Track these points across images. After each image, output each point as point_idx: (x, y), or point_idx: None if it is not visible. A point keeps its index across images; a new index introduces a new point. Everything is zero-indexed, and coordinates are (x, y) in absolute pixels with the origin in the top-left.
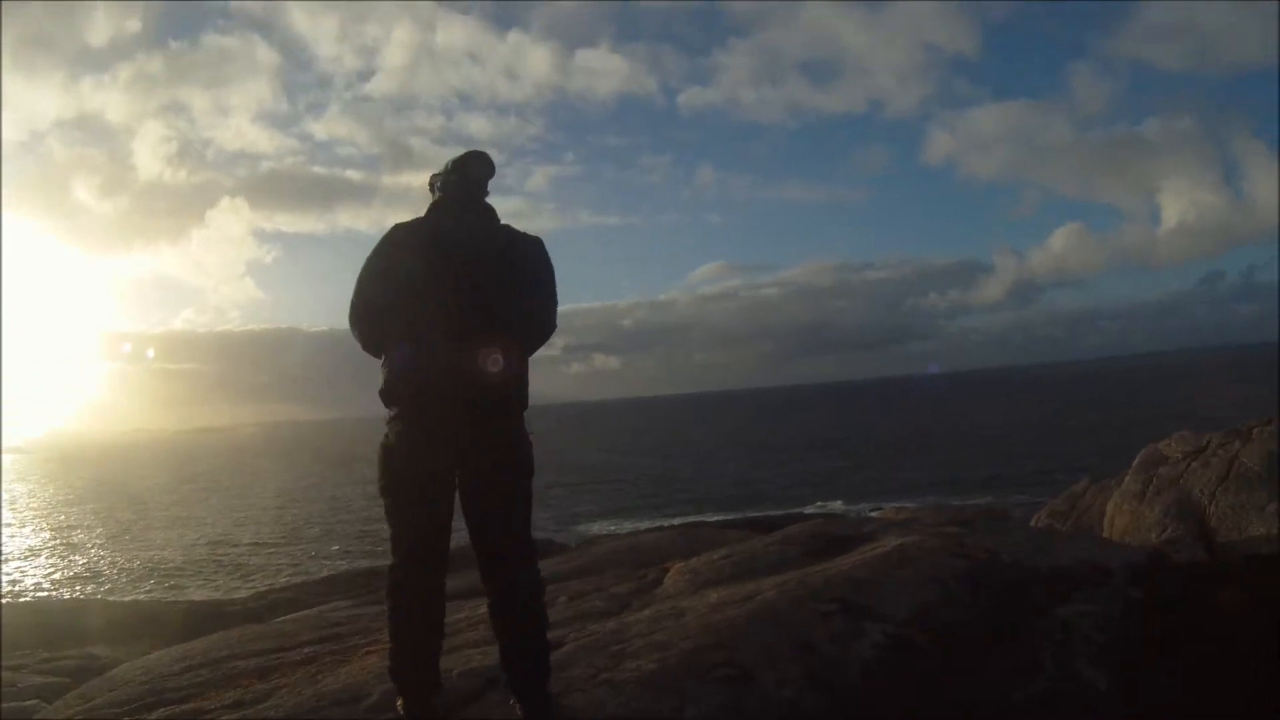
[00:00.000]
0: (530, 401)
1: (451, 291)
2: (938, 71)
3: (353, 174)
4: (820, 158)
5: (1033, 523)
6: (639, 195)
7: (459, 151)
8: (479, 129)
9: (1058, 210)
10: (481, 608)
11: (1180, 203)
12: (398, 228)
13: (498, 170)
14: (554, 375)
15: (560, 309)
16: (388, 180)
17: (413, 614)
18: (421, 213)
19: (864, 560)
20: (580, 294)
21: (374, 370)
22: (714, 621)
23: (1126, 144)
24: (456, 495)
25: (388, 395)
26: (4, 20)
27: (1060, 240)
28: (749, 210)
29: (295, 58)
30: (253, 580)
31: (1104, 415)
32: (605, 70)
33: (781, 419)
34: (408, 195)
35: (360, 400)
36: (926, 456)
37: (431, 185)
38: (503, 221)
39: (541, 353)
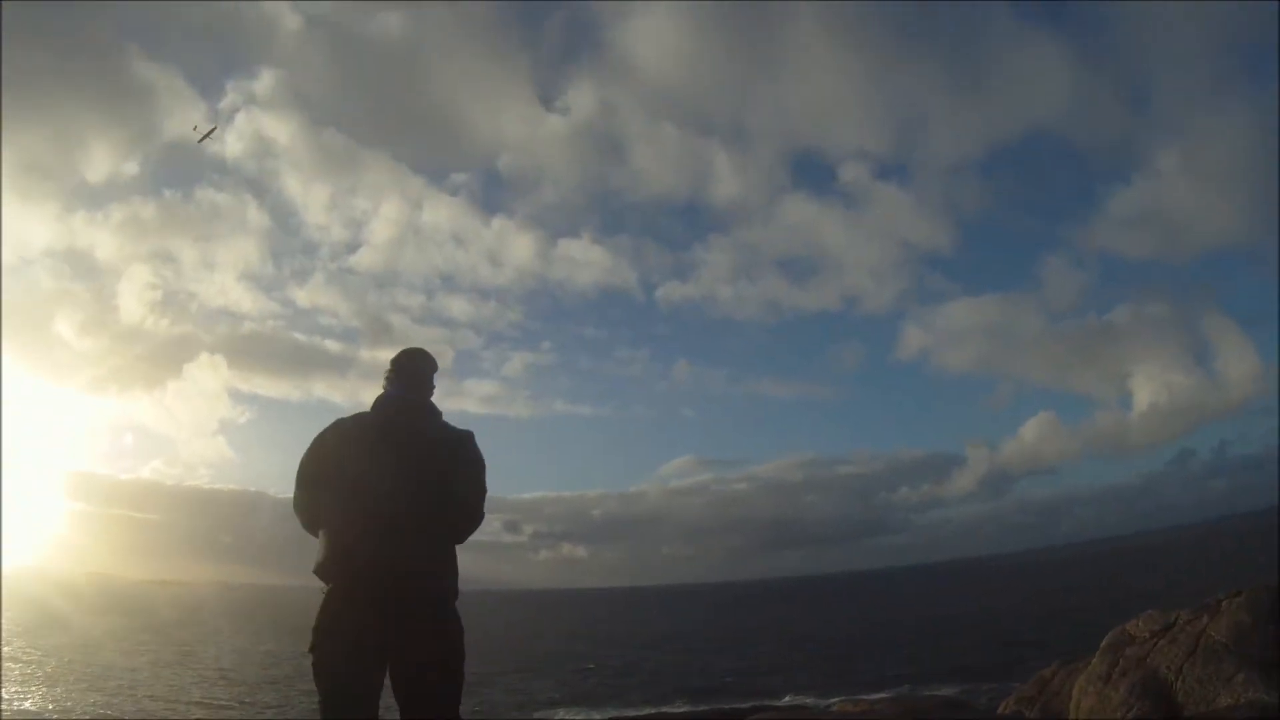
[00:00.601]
0: (497, 587)
1: (384, 483)
2: (912, 268)
3: (331, 344)
4: (795, 353)
5: (1000, 709)
6: (613, 386)
7: (436, 331)
8: (459, 310)
9: (1030, 401)
10: None
11: (1151, 386)
12: (340, 420)
13: (476, 355)
14: (521, 562)
15: (530, 497)
16: (365, 354)
17: None
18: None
19: None
20: (550, 483)
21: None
22: None
23: (1097, 333)
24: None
25: (321, 574)
26: (3, 149)
27: (1032, 430)
28: (722, 405)
29: (285, 223)
30: None
31: (1076, 599)
32: (586, 260)
33: (749, 611)
34: (382, 372)
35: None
36: (896, 647)
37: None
38: (444, 418)
39: (511, 540)
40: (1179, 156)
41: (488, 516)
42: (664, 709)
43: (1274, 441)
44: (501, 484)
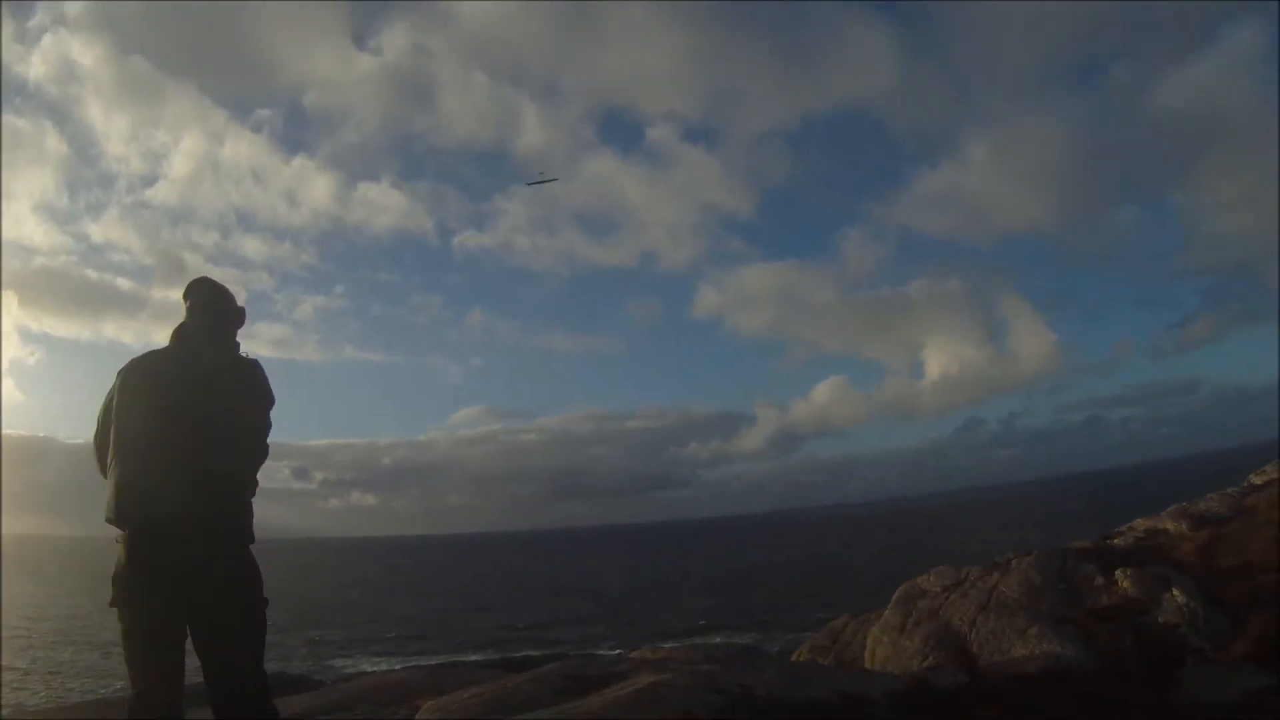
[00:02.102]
0: (286, 535)
1: (167, 421)
2: (712, 230)
3: (123, 282)
4: (589, 308)
5: (793, 658)
6: (405, 334)
7: (229, 271)
8: (253, 250)
9: (822, 365)
10: None
11: (943, 357)
12: (133, 360)
13: (269, 297)
14: (311, 510)
15: (319, 444)
16: (157, 294)
17: None
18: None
19: (615, 699)
20: (341, 430)
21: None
22: None
23: (892, 304)
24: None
25: (112, 520)
26: None
27: (823, 393)
28: (514, 356)
29: (84, 153)
30: None
31: (864, 556)
32: (384, 205)
33: (538, 562)
34: (175, 312)
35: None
36: (685, 598)
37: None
38: (244, 348)
39: (300, 487)
40: (989, 147)
41: (276, 463)
42: (457, 658)
43: (1062, 416)
44: (291, 430)
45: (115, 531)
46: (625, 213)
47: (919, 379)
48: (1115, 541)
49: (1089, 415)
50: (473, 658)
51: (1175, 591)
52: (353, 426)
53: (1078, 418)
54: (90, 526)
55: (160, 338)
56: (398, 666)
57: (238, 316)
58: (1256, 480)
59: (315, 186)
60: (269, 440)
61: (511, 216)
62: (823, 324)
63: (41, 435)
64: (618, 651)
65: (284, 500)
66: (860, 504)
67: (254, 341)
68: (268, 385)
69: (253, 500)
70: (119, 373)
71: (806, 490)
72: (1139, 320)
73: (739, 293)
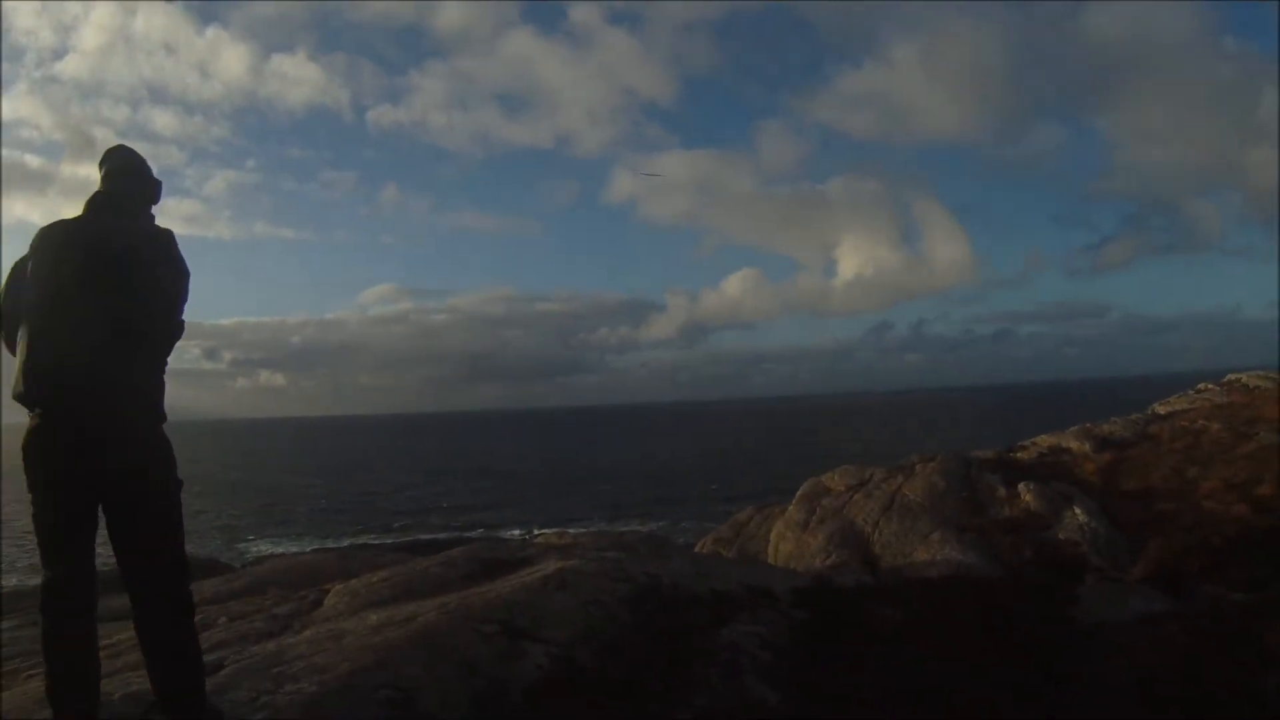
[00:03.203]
0: (196, 416)
1: (81, 292)
2: (631, 115)
3: (32, 159)
4: (503, 188)
5: (697, 549)
6: (317, 210)
7: (140, 146)
8: (164, 125)
9: (735, 256)
10: None
11: (857, 258)
12: (44, 228)
13: (179, 172)
14: (220, 390)
15: (228, 323)
16: (66, 170)
17: (65, 632)
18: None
19: (524, 583)
20: (250, 308)
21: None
22: (374, 643)
23: (809, 200)
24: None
25: (19, 399)
26: None
27: (735, 285)
28: (426, 234)
29: None
30: None
31: (769, 450)
32: (299, 78)
33: (448, 444)
34: (85, 188)
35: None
36: (593, 484)
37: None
38: (157, 220)
39: (209, 367)
40: (916, 50)
41: (187, 343)
42: (365, 540)
43: (972, 327)
44: (201, 309)
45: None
46: (543, 93)
47: (832, 278)
48: (1019, 455)
49: (999, 329)
50: (381, 540)
51: (1077, 510)
52: (263, 305)
53: (987, 330)
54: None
55: (70, 215)
56: (307, 549)
57: (153, 188)
58: (1161, 410)
59: (229, 59)
60: (183, 315)
61: (428, 93)
62: (737, 216)
63: None
64: (524, 535)
65: (194, 381)
66: (767, 399)
67: (165, 218)
68: (182, 257)
69: (164, 377)
70: (31, 242)
71: (714, 382)
72: (1055, 238)
73: (654, 180)
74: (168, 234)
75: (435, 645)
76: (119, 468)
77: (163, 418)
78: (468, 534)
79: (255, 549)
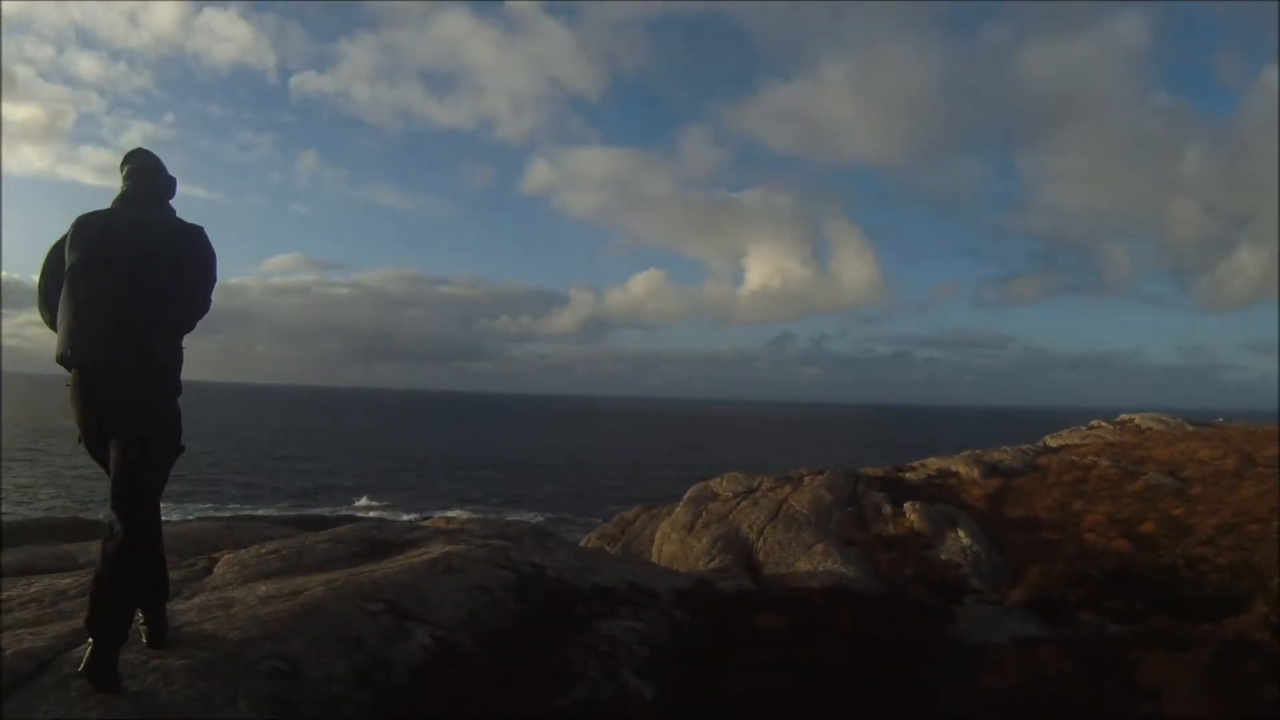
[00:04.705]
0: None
1: (113, 277)
2: (556, 106)
3: None
4: (421, 167)
5: (582, 543)
6: (230, 172)
7: (60, 89)
8: (88, 69)
9: (643, 257)
10: (33, 586)
11: (766, 269)
12: (82, 217)
13: (97, 119)
14: None
15: None
16: None
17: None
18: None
19: (411, 565)
20: None
21: None
22: (263, 614)
23: (723, 208)
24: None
25: (61, 362)
26: None
27: (641, 285)
28: (338, 206)
29: None
30: None
31: (659, 451)
32: (228, 35)
33: (341, 420)
34: (6, 129)
35: None
36: (483, 471)
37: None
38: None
39: None
40: (847, 70)
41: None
42: (250, 511)
43: (872, 347)
44: None
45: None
46: (470, 74)
47: (739, 286)
48: (907, 475)
49: (897, 350)
50: (264, 512)
51: (960, 532)
52: None
53: (887, 350)
54: None
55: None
56: (191, 517)
57: (170, 183)
58: (1052, 442)
59: (160, 8)
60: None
61: (354, 63)
62: (652, 216)
63: None
64: (412, 517)
65: None
66: (661, 400)
67: (77, 166)
68: (210, 248)
69: (182, 354)
70: (71, 226)
71: (610, 379)
72: (964, 268)
73: (573, 173)
74: (197, 229)
75: (322, 620)
76: (130, 433)
77: (178, 390)
78: (351, 511)
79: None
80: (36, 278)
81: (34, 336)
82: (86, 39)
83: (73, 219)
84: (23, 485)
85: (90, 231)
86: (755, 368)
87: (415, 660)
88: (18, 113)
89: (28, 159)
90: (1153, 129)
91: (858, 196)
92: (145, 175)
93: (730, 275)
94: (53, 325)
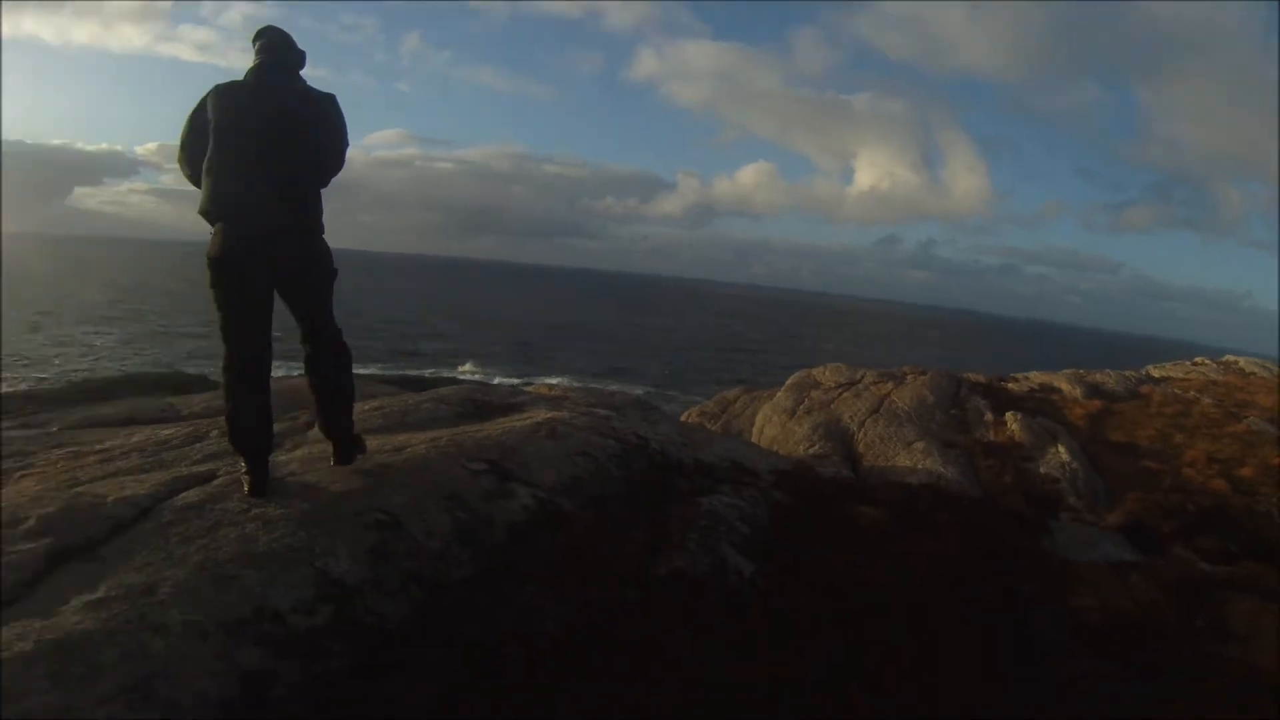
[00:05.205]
0: (202, 238)
1: (256, 136)
2: None
3: None
4: (526, 52)
5: (682, 419)
6: (334, 51)
7: None
8: None
9: (752, 149)
10: (135, 436)
11: (875, 171)
12: (221, 85)
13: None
14: None
15: None
16: None
17: (249, 388)
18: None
19: (514, 428)
20: None
21: (50, 192)
22: (365, 468)
23: (834, 108)
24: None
25: (206, 216)
26: None
27: (749, 175)
28: (442, 86)
29: None
30: None
31: (763, 336)
32: None
33: (444, 288)
34: (105, 10)
35: (37, 217)
36: (585, 343)
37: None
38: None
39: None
40: None
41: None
42: (356, 370)
43: (979, 257)
44: None
45: (42, 229)
46: None
47: (847, 185)
48: (1009, 385)
49: (1005, 263)
50: (366, 371)
51: (1061, 448)
52: None
53: (994, 262)
54: (42, 224)
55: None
56: (296, 373)
57: (301, 56)
58: (1154, 372)
59: None
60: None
61: None
62: (760, 111)
63: None
64: (514, 383)
65: (195, 202)
66: (765, 288)
67: (177, 44)
68: (340, 115)
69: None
70: (210, 92)
71: (714, 265)
72: (1075, 190)
73: (681, 64)
74: (330, 96)
75: (425, 476)
76: (290, 266)
77: (321, 230)
78: (456, 375)
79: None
80: (179, 137)
81: (134, 204)
82: None
83: (173, 94)
84: (125, 343)
85: (231, 96)
86: (861, 265)
87: (516, 520)
88: (254, 47)
89: (128, 38)
90: (1272, 77)
91: (972, 107)
92: (278, 48)
93: (839, 174)
94: (195, 182)
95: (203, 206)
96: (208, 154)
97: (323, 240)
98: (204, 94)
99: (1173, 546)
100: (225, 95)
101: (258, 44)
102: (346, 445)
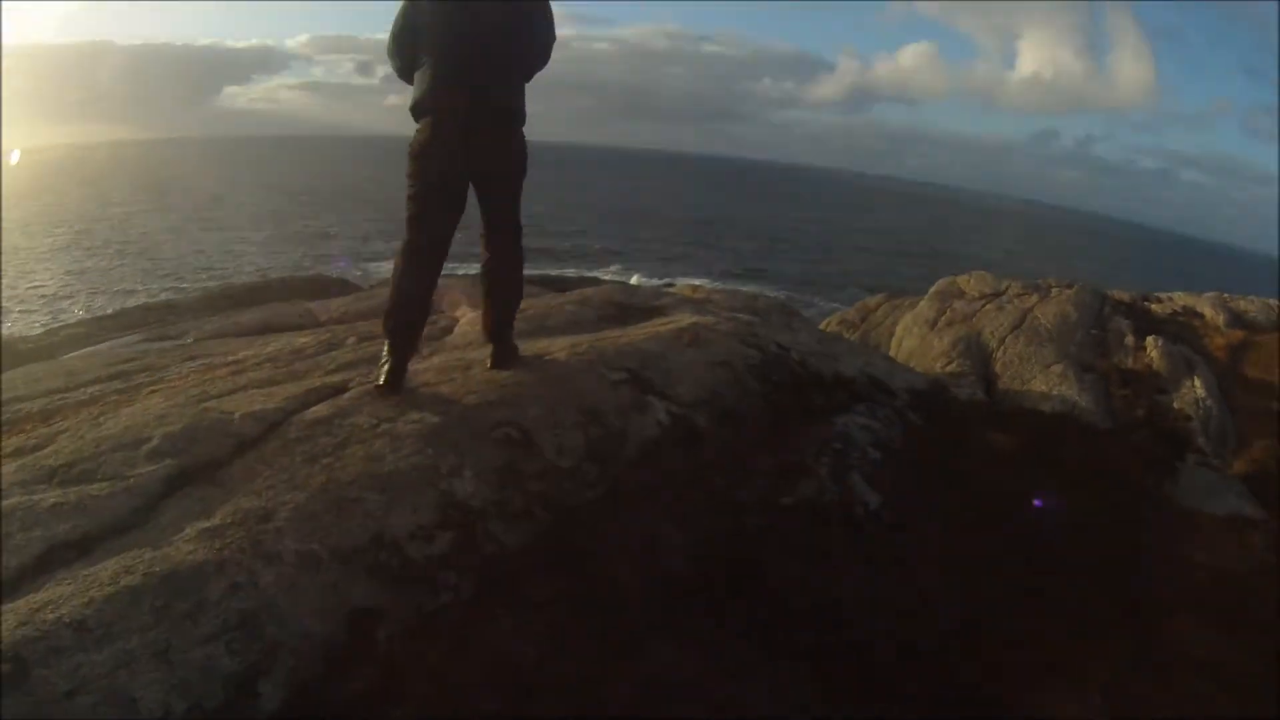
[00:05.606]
0: (343, 132)
1: (467, 30)
2: None
3: None
4: None
5: (821, 326)
6: None
7: None
8: None
9: (914, 28)
10: (270, 345)
11: (1039, 54)
12: None
13: None
14: (370, 107)
15: (383, 36)
16: None
17: (418, 280)
18: None
19: (657, 334)
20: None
21: (199, 93)
22: (500, 378)
23: None
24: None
25: (416, 110)
26: None
27: (909, 56)
28: None
29: None
30: (40, 316)
31: (908, 238)
32: None
33: (593, 179)
34: None
35: (185, 120)
36: (732, 240)
37: None
38: None
39: (361, 82)
40: None
41: (340, 57)
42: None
43: (1135, 159)
44: (353, 23)
45: (195, 133)
46: None
47: (1008, 69)
48: (1153, 306)
49: (1161, 166)
50: None
51: (1197, 381)
52: None
53: (1151, 164)
54: (152, 130)
55: None
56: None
57: None
58: None
59: None
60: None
61: None
62: None
63: (98, 39)
64: (656, 283)
65: (345, 96)
66: (916, 181)
67: None
68: (551, 10)
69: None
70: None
71: (866, 155)
72: (1241, 88)
73: None
74: None
75: (562, 388)
76: (490, 161)
77: (523, 122)
78: (598, 274)
79: (383, 269)
80: (390, 28)
81: (285, 99)
82: None
83: None
84: (263, 243)
85: None
86: (1015, 161)
87: (649, 436)
88: None
89: None
90: None
91: None
92: None
93: (1001, 57)
94: (404, 76)
95: (414, 101)
96: (420, 49)
97: (522, 134)
98: None
99: None
100: None
101: None
102: (508, 348)
